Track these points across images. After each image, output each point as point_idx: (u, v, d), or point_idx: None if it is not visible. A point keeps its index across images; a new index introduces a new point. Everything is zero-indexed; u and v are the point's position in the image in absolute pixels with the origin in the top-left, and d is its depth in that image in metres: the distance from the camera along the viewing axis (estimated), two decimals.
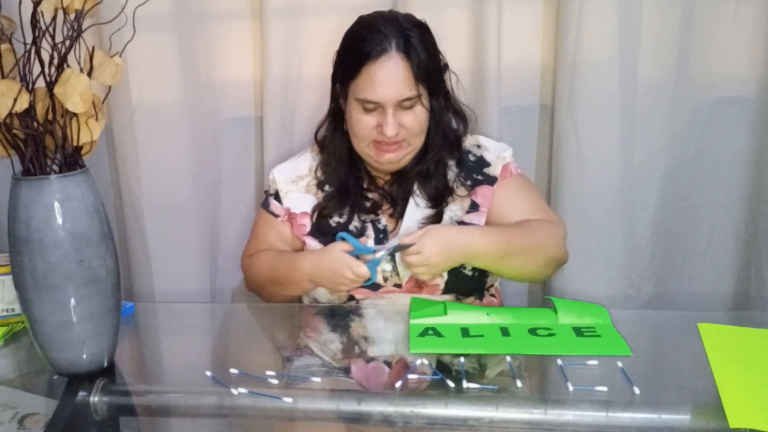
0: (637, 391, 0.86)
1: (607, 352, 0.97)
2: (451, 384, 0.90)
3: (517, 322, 1.07)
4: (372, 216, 1.25)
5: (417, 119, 1.16)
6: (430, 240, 1.10)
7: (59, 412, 0.87)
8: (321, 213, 1.25)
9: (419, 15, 1.30)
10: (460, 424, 0.86)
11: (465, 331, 1.05)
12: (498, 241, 1.13)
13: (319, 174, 1.28)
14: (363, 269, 1.11)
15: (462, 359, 0.96)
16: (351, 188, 1.25)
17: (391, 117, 1.14)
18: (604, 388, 0.88)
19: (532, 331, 1.04)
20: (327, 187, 1.26)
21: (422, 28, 1.17)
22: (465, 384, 0.89)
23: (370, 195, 1.26)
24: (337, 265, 1.13)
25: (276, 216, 1.29)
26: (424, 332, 1.05)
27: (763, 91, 1.36)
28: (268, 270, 1.27)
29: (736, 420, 0.79)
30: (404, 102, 1.14)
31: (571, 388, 0.88)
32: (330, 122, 1.27)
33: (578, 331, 1.04)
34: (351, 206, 1.24)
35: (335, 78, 1.22)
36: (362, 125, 1.17)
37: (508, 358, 0.96)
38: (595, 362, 0.94)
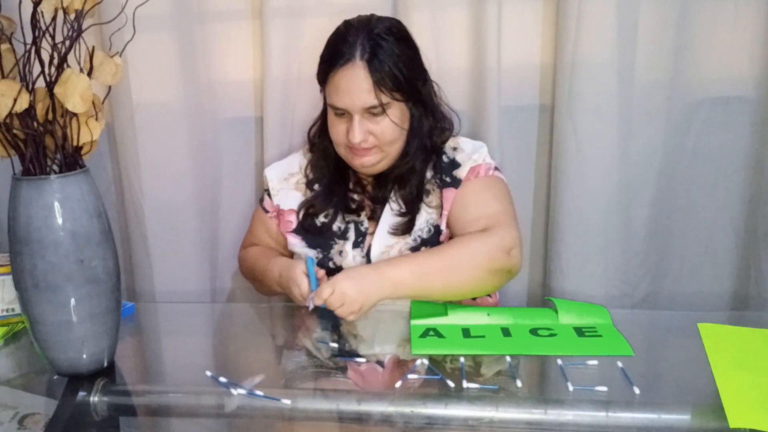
0: (637, 391, 0.86)
1: (609, 352, 0.97)
2: (451, 384, 0.90)
3: (518, 323, 1.07)
4: (355, 217, 1.26)
5: (385, 128, 1.15)
6: (340, 276, 1.08)
7: (59, 412, 0.87)
8: (307, 211, 1.27)
9: (419, 15, 1.31)
10: (460, 424, 0.86)
11: (466, 332, 1.05)
12: (408, 265, 1.10)
13: (308, 172, 1.29)
14: (306, 292, 1.12)
15: (462, 359, 0.96)
16: (337, 188, 1.26)
17: (357, 124, 1.14)
18: (604, 388, 0.88)
19: (533, 332, 1.04)
20: (316, 186, 1.28)
21: (398, 37, 1.16)
22: (465, 384, 0.89)
23: (355, 196, 1.27)
24: (290, 282, 1.15)
25: (267, 212, 1.33)
26: (425, 333, 1.05)
27: (763, 91, 1.35)
28: (251, 266, 1.34)
29: (736, 420, 0.79)
30: (370, 110, 1.14)
31: (571, 388, 0.88)
32: (321, 122, 1.28)
33: (579, 331, 1.04)
34: (336, 206, 1.26)
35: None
36: (335, 130, 1.19)
37: (508, 358, 0.96)
38: (595, 362, 0.94)
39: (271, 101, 1.42)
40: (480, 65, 1.36)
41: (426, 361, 0.96)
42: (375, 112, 1.14)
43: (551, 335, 1.03)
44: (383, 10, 1.34)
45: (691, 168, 1.41)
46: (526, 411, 0.86)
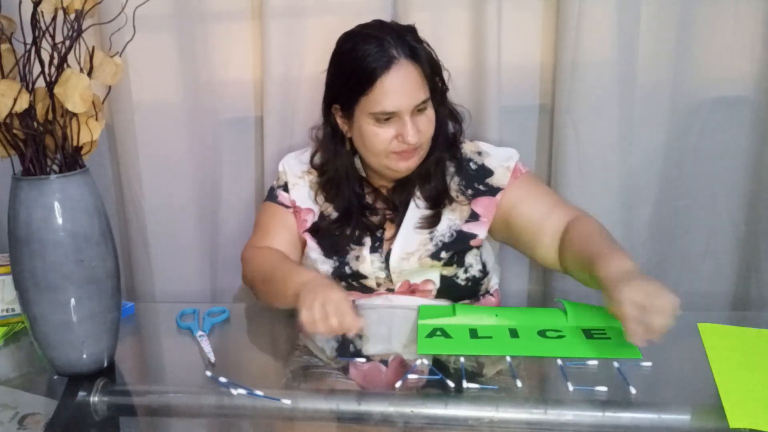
0: (633, 390, 0.86)
1: (616, 355, 0.96)
2: (451, 384, 0.90)
3: (526, 324, 1.06)
4: (375, 230, 1.24)
5: (430, 122, 1.16)
6: (625, 296, 0.92)
7: (59, 412, 0.87)
8: (323, 229, 1.25)
9: (419, 15, 1.31)
10: (460, 424, 0.86)
11: (473, 332, 1.04)
12: (624, 254, 1.04)
13: (320, 199, 1.26)
14: (352, 323, 0.95)
15: (462, 359, 0.96)
16: (354, 211, 1.23)
17: (410, 124, 1.12)
18: (604, 389, 0.88)
19: (541, 333, 1.03)
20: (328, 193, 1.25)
21: (414, 32, 1.16)
22: (465, 384, 0.89)
23: (373, 218, 1.24)
24: (332, 311, 0.96)
25: (287, 207, 1.27)
26: (432, 333, 1.04)
27: (763, 91, 1.36)
28: (269, 268, 1.19)
29: (736, 420, 0.79)
30: (418, 107, 1.13)
31: (571, 388, 0.88)
32: (329, 146, 1.22)
33: (588, 334, 1.03)
34: (354, 225, 1.23)
35: (334, 99, 1.18)
36: (379, 139, 1.14)
37: (508, 358, 0.96)
38: (595, 362, 0.94)
39: (271, 101, 1.42)
40: (480, 65, 1.36)
41: (426, 361, 0.96)
42: (421, 108, 1.13)
43: (559, 337, 1.02)
44: (383, 9, 1.35)
45: (692, 168, 1.41)
46: (526, 411, 0.86)
